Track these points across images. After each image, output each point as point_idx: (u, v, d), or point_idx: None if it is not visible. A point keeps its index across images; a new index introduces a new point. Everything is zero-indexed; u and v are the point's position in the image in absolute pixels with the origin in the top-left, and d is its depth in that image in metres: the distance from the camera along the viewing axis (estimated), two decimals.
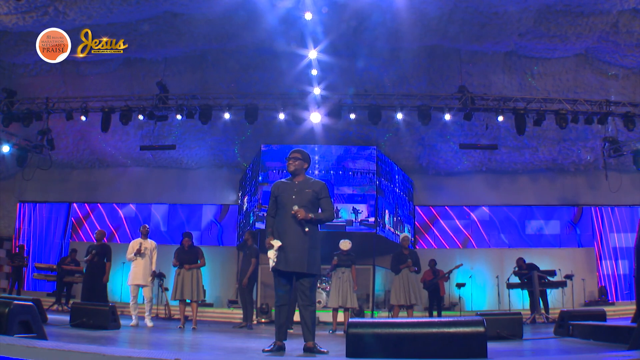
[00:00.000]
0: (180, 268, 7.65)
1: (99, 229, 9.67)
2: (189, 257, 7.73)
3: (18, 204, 14.88)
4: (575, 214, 14.20)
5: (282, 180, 4.51)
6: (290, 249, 4.15)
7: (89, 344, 4.45)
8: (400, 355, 2.80)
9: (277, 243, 4.18)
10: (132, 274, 7.78)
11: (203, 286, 7.89)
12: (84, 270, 8.57)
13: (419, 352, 2.77)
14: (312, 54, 10.70)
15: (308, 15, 9.64)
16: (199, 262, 7.73)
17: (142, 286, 7.79)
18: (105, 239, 8.59)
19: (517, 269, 10.61)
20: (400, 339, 2.84)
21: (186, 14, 10.82)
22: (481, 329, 2.84)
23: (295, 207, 4.17)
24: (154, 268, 7.89)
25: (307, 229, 4.17)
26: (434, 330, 2.84)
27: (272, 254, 4.19)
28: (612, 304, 12.86)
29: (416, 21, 10.74)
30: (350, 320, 3.09)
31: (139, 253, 7.68)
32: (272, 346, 4.14)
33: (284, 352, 4.17)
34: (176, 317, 11.26)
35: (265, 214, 11.57)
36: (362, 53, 11.61)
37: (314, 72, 11.19)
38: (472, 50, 12.15)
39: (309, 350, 4.13)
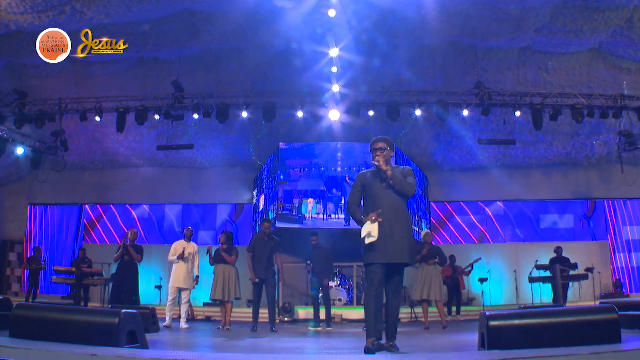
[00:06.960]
0: (216, 262, 7.64)
1: (126, 229, 9.51)
2: (220, 256, 7.72)
3: (29, 207, 14.66)
4: (588, 208, 14.34)
5: (367, 171, 4.24)
6: (391, 237, 3.91)
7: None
8: (539, 345, 2.87)
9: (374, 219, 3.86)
10: (174, 276, 7.74)
11: (238, 285, 7.78)
12: (115, 271, 8.43)
13: (557, 340, 2.84)
14: (334, 52, 10.64)
15: (331, 12, 9.58)
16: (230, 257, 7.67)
17: (183, 289, 7.75)
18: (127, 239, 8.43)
19: (555, 255, 10.79)
20: (538, 329, 2.92)
21: (205, 12, 10.71)
22: (614, 316, 2.96)
23: (387, 167, 4.01)
24: (197, 273, 7.84)
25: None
26: (571, 318, 2.93)
27: (372, 227, 3.85)
28: (627, 296, 12.99)
29: (436, 17, 10.73)
30: (487, 313, 3.10)
31: (182, 257, 7.62)
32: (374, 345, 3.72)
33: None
34: (199, 317, 11.22)
35: (283, 212, 11.55)
36: (380, 51, 11.57)
37: (334, 69, 11.14)
38: (487, 46, 12.19)
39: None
